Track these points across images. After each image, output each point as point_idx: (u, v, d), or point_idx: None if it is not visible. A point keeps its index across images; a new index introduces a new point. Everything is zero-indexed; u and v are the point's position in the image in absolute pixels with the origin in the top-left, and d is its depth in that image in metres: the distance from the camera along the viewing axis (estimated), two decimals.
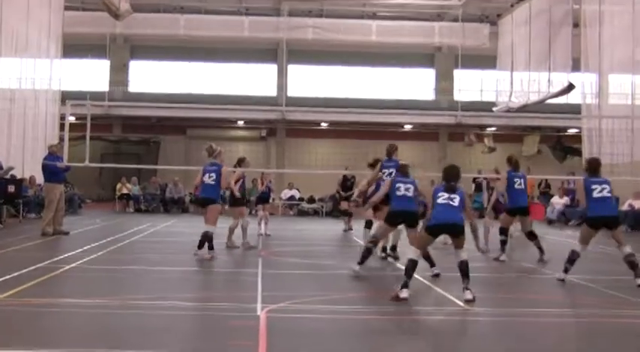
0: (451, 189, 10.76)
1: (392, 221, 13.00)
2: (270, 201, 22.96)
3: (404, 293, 10.20)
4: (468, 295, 10.18)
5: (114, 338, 7.86)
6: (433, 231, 10.74)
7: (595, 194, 12.47)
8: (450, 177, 10.91)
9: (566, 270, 12.62)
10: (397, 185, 12.95)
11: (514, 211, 15.83)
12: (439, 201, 10.71)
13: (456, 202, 10.67)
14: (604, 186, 12.55)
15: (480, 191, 23.47)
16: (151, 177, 36.20)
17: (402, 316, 9.28)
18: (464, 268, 10.40)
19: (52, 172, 19.91)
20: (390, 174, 14.63)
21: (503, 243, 15.82)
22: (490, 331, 9.01)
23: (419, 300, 9.97)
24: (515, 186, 15.68)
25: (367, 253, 13.06)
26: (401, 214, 12.86)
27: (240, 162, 18.13)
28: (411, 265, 10.52)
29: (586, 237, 12.66)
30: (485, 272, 13.76)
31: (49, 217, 19.54)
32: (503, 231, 15.90)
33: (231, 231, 17.47)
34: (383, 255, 15.46)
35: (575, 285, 12.30)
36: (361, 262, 12.95)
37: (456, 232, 10.67)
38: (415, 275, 12.67)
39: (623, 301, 10.79)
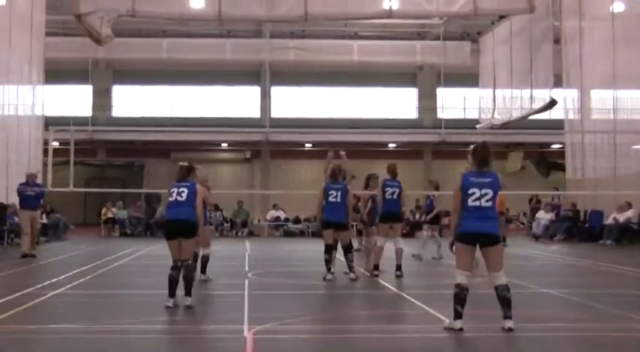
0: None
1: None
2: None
3: (458, 324, 9.08)
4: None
5: None
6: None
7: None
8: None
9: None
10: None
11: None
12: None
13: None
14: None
15: None
16: (136, 200, 36.06)
17: (389, 335, 9.25)
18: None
19: (22, 198, 20.94)
20: (393, 193, 15.31)
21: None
22: (483, 348, 8.91)
23: (406, 319, 9.90)
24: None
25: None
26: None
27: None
28: (462, 292, 9.13)
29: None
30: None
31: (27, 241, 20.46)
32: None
33: (369, 251, 17.47)
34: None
35: (555, 298, 12.33)
36: None
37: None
38: (402, 293, 12.73)
39: (603, 313, 10.82)
